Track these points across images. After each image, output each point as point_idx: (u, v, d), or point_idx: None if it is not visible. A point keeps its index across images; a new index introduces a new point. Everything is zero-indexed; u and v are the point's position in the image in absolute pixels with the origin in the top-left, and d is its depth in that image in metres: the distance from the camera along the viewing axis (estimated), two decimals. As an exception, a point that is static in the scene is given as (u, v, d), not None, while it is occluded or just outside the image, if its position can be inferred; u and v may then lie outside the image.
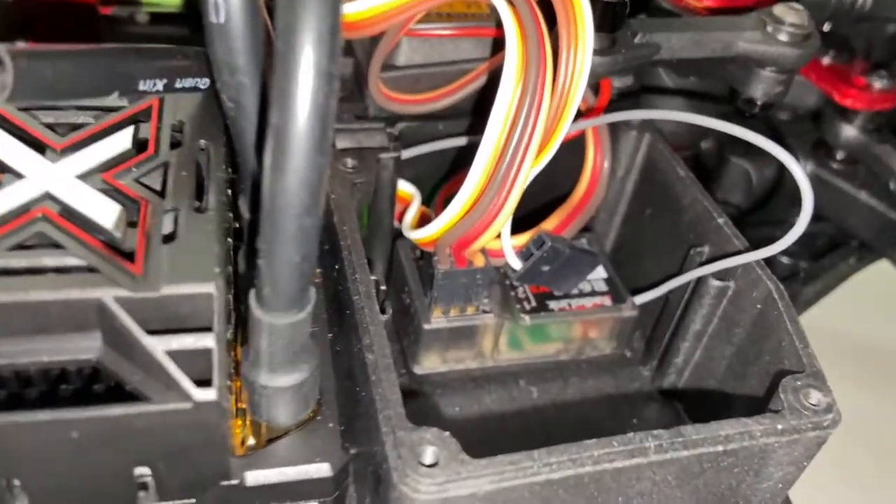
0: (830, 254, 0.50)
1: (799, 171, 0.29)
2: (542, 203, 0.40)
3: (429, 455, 0.24)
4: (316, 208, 0.22)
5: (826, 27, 0.42)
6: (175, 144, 0.28)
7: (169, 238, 0.24)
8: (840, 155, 0.47)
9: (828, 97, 0.45)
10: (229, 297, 0.25)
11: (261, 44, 0.24)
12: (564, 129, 0.32)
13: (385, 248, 0.39)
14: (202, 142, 0.28)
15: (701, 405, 0.37)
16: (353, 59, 0.40)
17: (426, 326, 0.36)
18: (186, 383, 0.22)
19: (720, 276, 0.35)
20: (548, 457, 0.25)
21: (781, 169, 0.49)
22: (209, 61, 0.26)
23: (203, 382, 0.23)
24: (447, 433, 0.25)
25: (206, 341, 0.23)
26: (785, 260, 0.47)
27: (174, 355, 0.22)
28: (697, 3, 0.40)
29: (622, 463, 0.26)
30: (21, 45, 0.22)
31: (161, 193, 0.26)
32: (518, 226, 0.36)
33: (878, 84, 0.44)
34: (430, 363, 0.37)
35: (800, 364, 0.30)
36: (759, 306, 0.33)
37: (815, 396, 0.28)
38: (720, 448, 0.26)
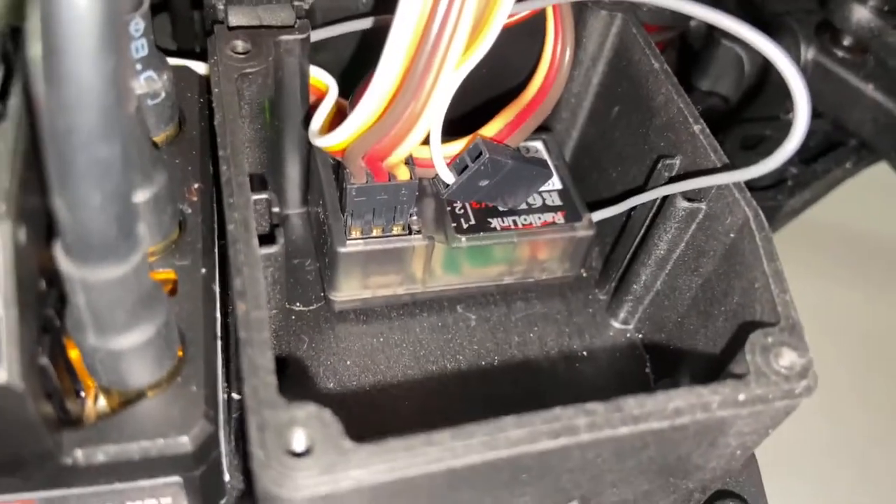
0: (824, 157, 0.44)
1: (796, 77, 0.23)
2: (488, 98, 0.33)
3: (300, 440, 0.19)
4: (115, 131, 0.16)
5: None
6: (-25, 26, 0.21)
7: (-58, 160, 0.18)
8: (847, 41, 0.40)
9: (841, -30, 0.38)
10: (31, 236, 0.19)
11: None
12: (503, 13, 0.25)
13: (300, 151, 0.33)
14: (9, 17, 0.21)
15: (660, 340, 0.33)
16: None
17: (341, 249, 0.30)
18: (-39, 362, 0.17)
19: (690, 195, 0.29)
20: (452, 440, 0.20)
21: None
22: None
23: (-11, 358, 0.17)
24: (328, 411, 0.20)
25: (-12, 305, 0.17)
26: (772, 165, 0.41)
27: (-54, 325, 0.17)
28: None
29: (546, 445, 0.21)
30: None
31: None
32: (455, 130, 0.30)
33: (903, -45, 0.37)
34: (350, 289, 0.32)
35: (773, 313, 0.24)
36: (732, 235, 0.27)
37: (787, 357, 0.23)
38: (667, 423, 0.22)
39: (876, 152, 0.43)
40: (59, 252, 0.18)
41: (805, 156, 0.45)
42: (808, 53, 0.42)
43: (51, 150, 0.16)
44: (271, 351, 0.21)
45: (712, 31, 0.44)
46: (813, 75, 0.42)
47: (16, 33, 0.21)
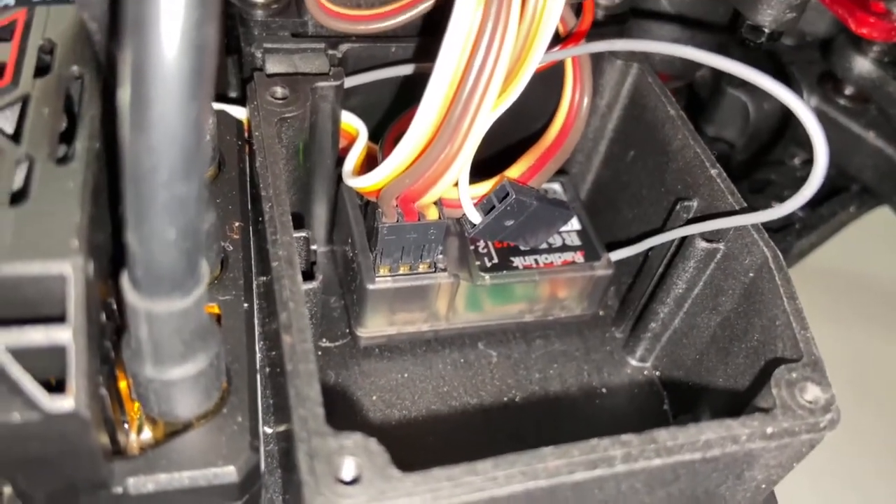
0: (829, 201, 0.45)
1: (813, 122, 0.24)
2: (510, 144, 0.35)
3: (349, 469, 0.20)
4: (193, 171, 0.17)
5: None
6: (42, 71, 0.22)
7: (18, 197, 0.19)
8: (849, 90, 0.42)
9: (842, 24, 0.39)
10: (97, 273, 0.20)
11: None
12: (535, 61, 0.27)
13: (328, 191, 0.34)
14: (75, 68, 0.22)
15: (678, 377, 0.34)
16: (291, -37, 0.34)
17: (370, 286, 0.31)
18: (34, 390, 0.18)
19: (709, 236, 0.30)
20: (493, 470, 0.21)
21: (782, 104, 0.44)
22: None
23: (57, 386, 0.18)
24: (373, 440, 0.21)
25: (61, 335, 0.18)
26: (780, 208, 0.42)
27: (20, 354, 0.18)
28: None
29: (583, 475, 0.21)
30: None
31: (15, 137, 0.20)
32: (480, 171, 0.31)
33: (901, 11, 0.39)
34: (375, 325, 0.33)
35: (795, 349, 0.25)
36: (751, 274, 0.29)
37: (811, 392, 0.24)
38: (699, 455, 0.22)
39: (878, 197, 0.44)
40: (126, 285, 0.19)
41: (811, 200, 0.46)
42: (812, 102, 0.43)
43: (131, 188, 0.17)
44: (318, 382, 0.22)
45: (719, 80, 0.46)
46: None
47: (79, 80, 0.22)
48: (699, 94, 0.47)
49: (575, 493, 0.22)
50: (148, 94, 0.16)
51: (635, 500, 0.24)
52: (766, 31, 0.31)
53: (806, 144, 0.46)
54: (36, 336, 0.18)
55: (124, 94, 0.16)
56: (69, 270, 0.18)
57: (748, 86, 0.44)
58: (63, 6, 0.23)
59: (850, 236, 0.50)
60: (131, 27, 0.15)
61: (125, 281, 0.19)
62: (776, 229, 0.43)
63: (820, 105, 0.43)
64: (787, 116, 0.44)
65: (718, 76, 0.45)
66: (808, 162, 0.47)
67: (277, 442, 0.28)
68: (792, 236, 0.43)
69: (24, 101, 0.21)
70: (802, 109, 0.24)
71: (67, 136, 0.21)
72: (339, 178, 0.33)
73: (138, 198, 0.17)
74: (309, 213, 0.35)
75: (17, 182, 0.19)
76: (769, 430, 0.23)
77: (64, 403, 0.18)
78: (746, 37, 0.32)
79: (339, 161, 0.33)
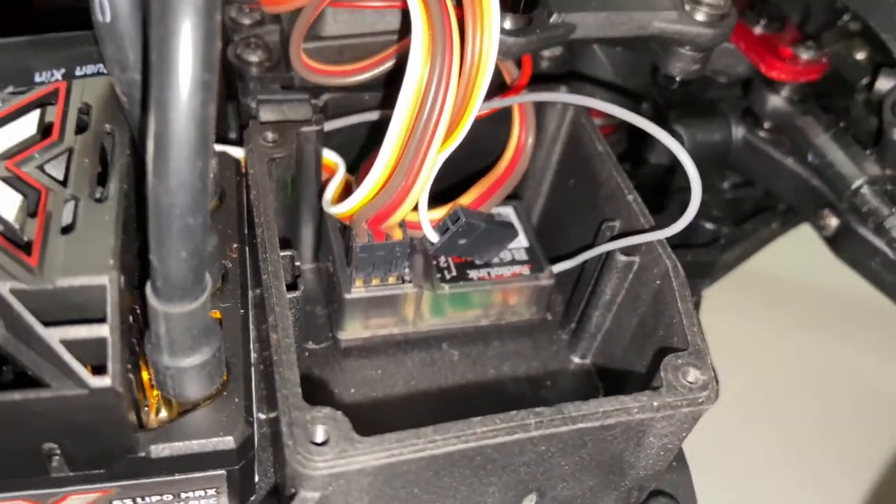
0: (753, 219, 0.51)
1: (688, 161, 0.30)
2: (468, 175, 0.41)
3: (319, 433, 0.26)
4: (199, 208, 0.23)
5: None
6: (81, 128, 0.28)
7: (67, 229, 0.25)
8: (767, 124, 0.48)
9: (755, 67, 0.46)
10: (127, 284, 0.26)
11: (149, 41, 0.24)
12: (474, 111, 0.33)
13: (313, 217, 0.40)
14: (108, 126, 0.28)
15: (609, 371, 0.39)
16: (280, 27, 0.40)
17: (347, 296, 0.37)
18: (82, 371, 0.24)
19: (627, 251, 0.36)
20: (433, 434, 0.27)
21: (714, 135, 0.50)
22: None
23: (99, 369, 0.24)
24: (339, 413, 0.27)
25: (101, 331, 0.24)
26: (708, 225, 0.48)
27: (70, 344, 0.24)
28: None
29: (504, 438, 0.27)
30: None
31: (63, 182, 0.27)
32: (440, 199, 0.38)
33: (804, 55, 0.45)
34: (353, 329, 0.39)
35: (685, 342, 0.31)
36: (658, 282, 0.35)
37: (693, 374, 0.30)
38: (598, 423, 0.28)
39: (799, 214, 0.50)
40: (149, 292, 0.25)
41: (738, 218, 0.52)
42: (738, 132, 0.49)
43: (153, 220, 0.23)
44: (297, 369, 0.28)
45: (657, 114, 0.52)
46: (743, 151, 0.50)
47: (110, 135, 0.29)
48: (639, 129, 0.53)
49: (500, 454, 0.28)
50: (166, 153, 0.22)
51: (553, 462, 0.30)
52: (677, 79, 0.38)
53: (736, 170, 0.52)
54: (83, 331, 0.24)
55: (149, 152, 0.22)
56: (107, 282, 0.24)
57: (682, 120, 0.51)
58: (96, 78, 0.30)
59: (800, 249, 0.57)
60: (155, 106, 0.21)
61: (148, 289, 0.25)
62: (704, 244, 0.49)
63: (746, 135, 0.49)
64: (716, 147, 0.50)
65: (656, 112, 0.51)
66: (737, 186, 0.53)
67: (269, 426, 0.34)
68: (717, 250, 0.49)
69: (69, 152, 0.27)
70: (675, 146, 0.30)
71: (102, 180, 0.27)
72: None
73: (158, 227, 0.23)
74: (297, 236, 0.41)
75: (67, 217, 0.26)
76: (655, 403, 0.29)
77: (105, 381, 0.24)
78: (662, 83, 0.38)
79: (321, 190, 0.39)
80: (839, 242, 0.46)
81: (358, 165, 0.41)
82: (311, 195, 0.39)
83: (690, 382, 0.30)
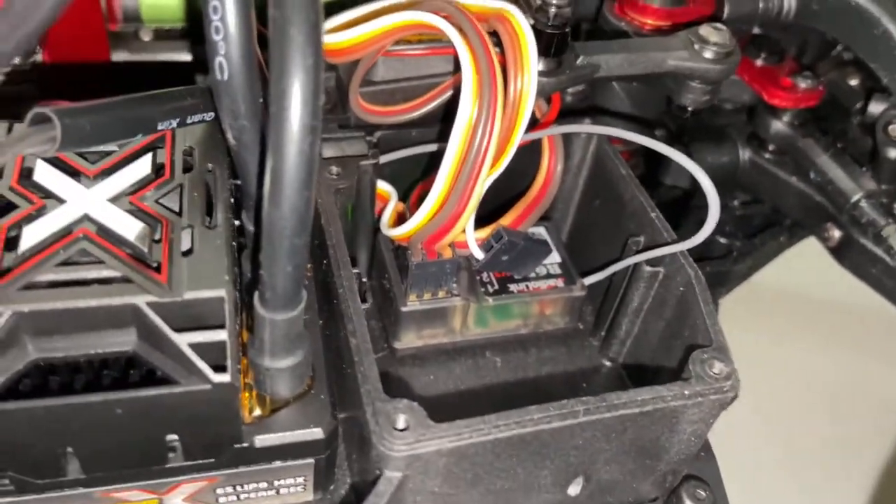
0: (762, 233, 0.56)
1: (706, 181, 0.35)
2: (504, 199, 0.46)
3: (401, 421, 0.31)
4: (305, 230, 0.27)
5: (756, 30, 0.48)
6: (187, 168, 0.33)
7: (187, 252, 0.30)
8: (771, 146, 0.53)
9: (759, 96, 0.51)
10: (236, 296, 0.31)
11: (259, 94, 0.29)
12: (516, 142, 0.38)
13: (368, 240, 0.45)
14: (209, 165, 0.33)
15: (639, 371, 0.44)
16: (336, 74, 0.45)
17: (403, 309, 0.42)
18: (206, 369, 0.28)
19: (652, 262, 0.41)
20: (496, 420, 0.31)
21: (724, 157, 0.55)
22: (213, 97, 0.31)
23: (219, 368, 0.28)
24: (416, 403, 0.31)
25: (221, 335, 0.29)
26: (721, 239, 0.53)
27: (195, 347, 0.28)
28: (640, 21, 0.45)
29: (557, 424, 0.32)
30: (63, 103, 0.28)
31: (178, 212, 0.31)
32: (482, 221, 0.42)
33: (802, 84, 0.50)
34: (407, 339, 0.44)
35: (709, 339, 0.36)
36: (682, 289, 0.39)
37: (717, 367, 0.34)
38: (637, 410, 0.33)
39: (804, 228, 0.55)
40: (257, 302, 0.29)
41: (748, 232, 0.57)
42: (745, 155, 0.54)
43: (266, 240, 0.28)
44: (376, 367, 0.32)
45: (672, 139, 0.57)
46: (750, 171, 0.54)
47: (211, 173, 0.33)
48: (657, 153, 0.58)
49: (553, 438, 0.32)
50: (282, 184, 0.26)
51: (598, 446, 0.34)
52: (689, 109, 0.42)
53: (744, 189, 0.57)
54: (207, 336, 0.29)
55: (266, 184, 0.27)
56: (224, 294, 0.29)
57: (694, 143, 0.55)
58: (195, 125, 0.34)
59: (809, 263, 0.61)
60: (273, 146, 0.26)
61: (256, 300, 0.29)
62: (719, 256, 0.53)
63: (752, 157, 0.54)
64: (727, 168, 0.54)
65: (671, 138, 0.56)
66: (746, 203, 0.58)
67: (342, 424, 0.39)
68: (730, 262, 0.53)
69: (181, 188, 0.32)
70: (694, 168, 0.35)
71: (209, 211, 0.32)
72: (377, 230, 0.44)
73: (272, 246, 0.27)
74: (354, 255, 0.46)
75: (185, 242, 0.30)
76: (686, 392, 0.33)
77: (225, 377, 0.28)
78: (676, 113, 0.43)
79: (375, 216, 0.44)
80: (842, 252, 0.51)
81: (407, 194, 0.46)
82: (367, 220, 0.44)
83: (716, 373, 0.34)
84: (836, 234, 0.51)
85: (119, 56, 0.48)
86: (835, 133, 0.52)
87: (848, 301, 0.87)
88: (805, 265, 0.66)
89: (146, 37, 0.48)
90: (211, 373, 0.28)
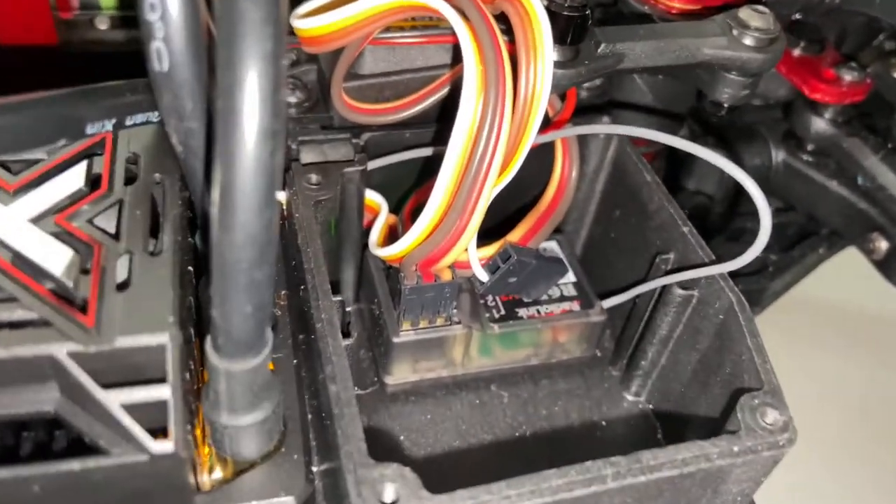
0: (800, 244, 0.50)
1: (756, 191, 0.29)
2: (511, 211, 0.40)
3: (389, 493, 0.25)
4: (265, 261, 0.22)
5: (796, 16, 0.42)
6: (130, 179, 0.27)
7: (122, 285, 0.24)
8: (810, 147, 0.47)
9: (798, 90, 0.45)
10: (189, 336, 0.25)
11: (205, 88, 0.24)
12: (528, 145, 0.32)
13: (355, 258, 0.39)
14: (157, 175, 0.28)
15: (668, 408, 0.38)
16: (317, 66, 0.39)
17: (395, 340, 0.36)
18: (143, 436, 0.22)
19: (684, 285, 0.35)
20: (507, 489, 0.25)
21: (755, 159, 0.49)
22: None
23: (160, 432, 0.23)
24: (408, 469, 0.25)
25: (162, 392, 0.23)
26: (755, 254, 0.47)
27: (130, 408, 0.23)
28: (667, 4, 0.39)
29: (581, 492, 0.26)
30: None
31: (115, 235, 0.26)
32: (486, 236, 0.36)
33: (847, 77, 0.44)
34: (401, 373, 0.38)
35: (758, 380, 0.30)
36: (721, 317, 0.33)
37: (771, 415, 0.28)
38: (677, 472, 0.27)
39: (845, 239, 0.49)
40: (209, 350, 0.24)
41: (783, 244, 0.51)
42: (779, 156, 0.49)
43: (217, 275, 0.22)
44: (360, 422, 0.27)
45: (696, 139, 0.51)
46: (784, 175, 0.49)
47: (160, 185, 0.28)
48: (678, 153, 0.52)
49: (575, 508, 0.27)
50: (233, 204, 0.21)
51: (628, 512, 0.28)
52: (725, 106, 0.37)
53: (776, 195, 0.51)
54: (144, 394, 0.23)
55: (214, 204, 0.21)
56: (167, 340, 0.23)
57: (722, 144, 0.50)
58: (142, 127, 0.29)
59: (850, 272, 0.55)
60: (221, 155, 0.20)
61: (208, 347, 0.24)
62: (752, 272, 0.48)
63: (787, 159, 0.48)
64: (757, 172, 0.49)
65: (695, 135, 0.50)
66: (779, 210, 0.52)
67: (321, 478, 0.33)
68: (766, 278, 0.47)
69: (120, 204, 0.26)
70: (742, 176, 0.29)
71: (154, 232, 0.26)
72: (365, 247, 0.38)
73: (223, 282, 0.22)
74: (338, 278, 0.40)
75: (121, 272, 0.25)
76: (735, 448, 0.27)
77: (166, 446, 0.23)
78: (709, 110, 0.37)
79: (363, 231, 0.38)
80: (890, 265, 0.45)
81: (400, 204, 0.40)
82: (353, 236, 0.38)
83: (769, 424, 0.28)
84: (884, 245, 0.45)
85: (71, 46, 0.42)
86: (880, 131, 0.46)
87: (883, 313, 0.82)
88: (831, 273, 0.60)
89: (102, 25, 0.42)
90: (149, 440, 0.23)
